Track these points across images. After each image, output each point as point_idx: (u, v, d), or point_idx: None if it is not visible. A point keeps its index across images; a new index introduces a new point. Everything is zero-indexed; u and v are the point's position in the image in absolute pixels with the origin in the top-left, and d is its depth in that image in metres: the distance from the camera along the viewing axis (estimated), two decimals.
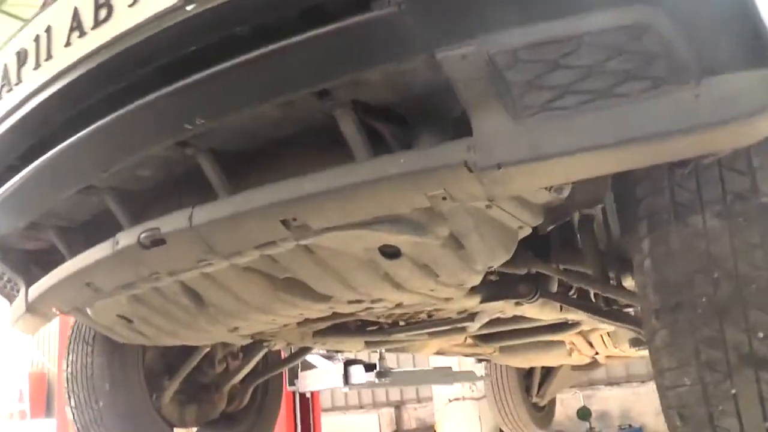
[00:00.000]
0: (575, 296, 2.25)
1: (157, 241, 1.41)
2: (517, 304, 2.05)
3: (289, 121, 1.31)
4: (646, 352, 2.67)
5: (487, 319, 2.30)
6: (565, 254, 1.96)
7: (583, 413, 9.01)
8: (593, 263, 1.87)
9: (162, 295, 1.64)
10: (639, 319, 1.97)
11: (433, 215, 1.29)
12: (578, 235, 1.89)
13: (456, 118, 1.19)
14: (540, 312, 2.27)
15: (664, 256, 1.29)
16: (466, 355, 4.57)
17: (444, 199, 1.23)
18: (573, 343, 4.17)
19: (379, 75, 1.16)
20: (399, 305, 1.78)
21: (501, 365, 5.18)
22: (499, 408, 5.33)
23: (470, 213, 1.32)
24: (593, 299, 2.15)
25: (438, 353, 3.97)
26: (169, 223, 1.40)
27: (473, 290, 1.83)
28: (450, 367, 5.36)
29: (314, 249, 1.41)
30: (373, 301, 1.68)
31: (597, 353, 4.31)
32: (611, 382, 9.43)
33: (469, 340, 4.09)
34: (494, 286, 1.99)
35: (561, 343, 4.13)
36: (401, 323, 2.47)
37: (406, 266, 1.46)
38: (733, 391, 1.19)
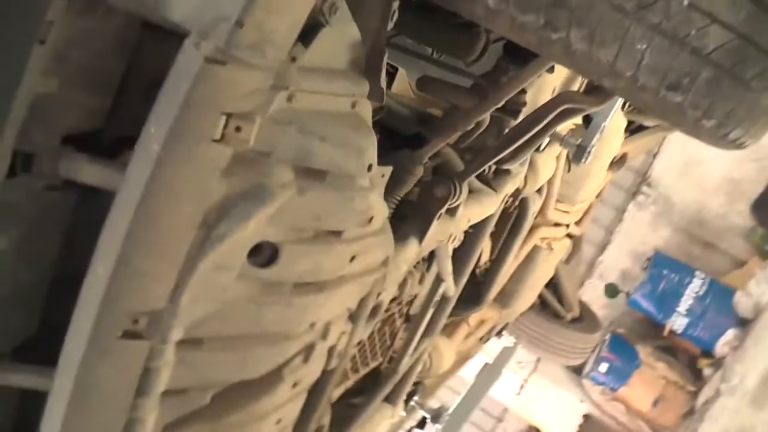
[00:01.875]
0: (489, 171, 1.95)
1: None
2: (450, 212, 1.70)
3: None
4: None
5: (446, 257, 1.92)
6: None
7: (611, 290, 8.75)
8: None
9: None
10: None
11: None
12: None
13: None
14: (481, 207, 1.94)
15: None
16: (482, 341, 4.29)
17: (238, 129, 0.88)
18: (545, 238, 3.97)
19: None
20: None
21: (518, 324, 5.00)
22: (551, 354, 5.13)
23: (282, 123, 0.97)
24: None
25: (455, 366, 3.63)
26: None
27: (401, 234, 1.49)
28: (486, 362, 5.01)
29: None
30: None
31: (567, 225, 4.14)
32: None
33: (472, 322, 3.80)
34: (414, 216, 1.63)
35: (538, 249, 3.92)
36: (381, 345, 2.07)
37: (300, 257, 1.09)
38: None
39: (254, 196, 0.98)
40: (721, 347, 7.62)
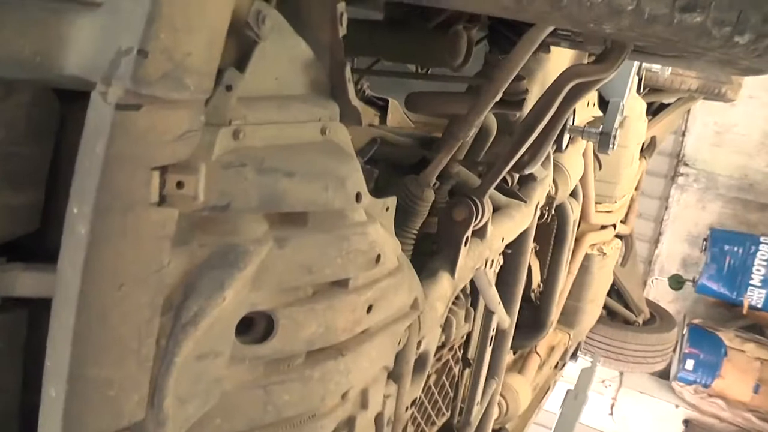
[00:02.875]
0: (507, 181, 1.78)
1: None
2: (477, 234, 1.50)
3: None
4: None
5: (488, 285, 1.71)
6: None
7: (676, 281, 8.33)
8: None
9: None
10: None
11: None
12: None
13: None
14: (513, 222, 1.74)
15: None
16: (557, 368, 4.07)
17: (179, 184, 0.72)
18: (594, 244, 3.80)
19: None
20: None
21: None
22: (632, 363, 4.93)
23: (234, 165, 0.79)
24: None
25: (536, 401, 3.45)
26: None
27: (430, 270, 1.33)
28: (568, 389, 4.71)
29: None
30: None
31: (614, 225, 3.95)
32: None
33: (542, 350, 3.59)
34: (440, 247, 1.44)
35: (590, 257, 3.75)
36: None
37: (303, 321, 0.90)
38: None
39: (223, 261, 0.80)
40: None
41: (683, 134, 8.50)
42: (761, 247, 7.46)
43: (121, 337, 0.74)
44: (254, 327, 0.87)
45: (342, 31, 0.97)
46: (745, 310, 7.67)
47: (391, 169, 1.53)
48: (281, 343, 0.89)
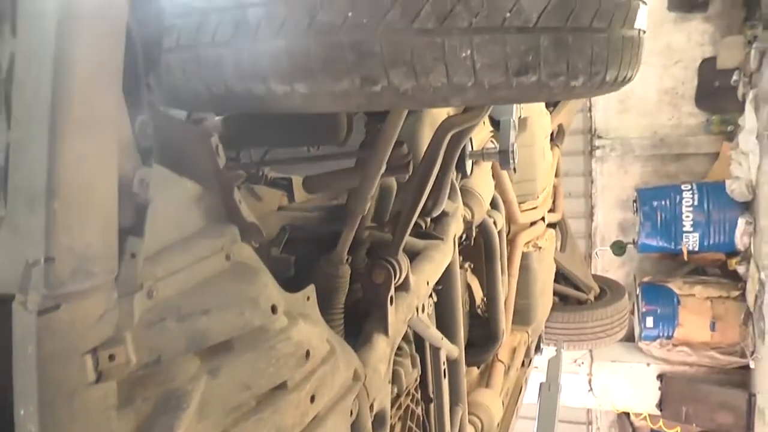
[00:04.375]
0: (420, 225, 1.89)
1: None
2: (401, 287, 1.61)
3: None
4: None
5: (426, 327, 1.82)
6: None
7: (618, 247, 8.64)
8: None
9: None
10: None
11: None
12: None
13: None
14: (434, 263, 1.86)
15: None
16: (525, 366, 4.21)
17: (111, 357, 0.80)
18: (528, 242, 3.93)
19: None
20: None
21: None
22: (595, 340, 5.14)
23: (155, 322, 0.88)
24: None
25: (512, 404, 3.66)
26: None
27: (365, 336, 1.42)
28: (541, 382, 4.86)
29: None
30: None
31: (542, 218, 4.11)
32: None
33: (504, 356, 3.70)
34: (369, 311, 1.54)
35: (527, 254, 3.91)
36: None
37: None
38: None
39: (167, 407, 0.89)
40: (740, 240, 7.51)
41: (590, 110, 8.88)
42: (684, 194, 7.79)
43: None
44: None
45: (222, 161, 1.07)
46: (685, 257, 8.00)
47: (307, 245, 1.63)
48: None
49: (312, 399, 1.12)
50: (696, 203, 7.76)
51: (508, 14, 1.03)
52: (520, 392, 4.15)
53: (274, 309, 1.06)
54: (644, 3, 1.28)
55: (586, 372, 8.48)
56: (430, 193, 1.69)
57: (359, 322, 1.53)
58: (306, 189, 1.64)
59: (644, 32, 1.30)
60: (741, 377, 7.73)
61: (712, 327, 7.78)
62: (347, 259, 1.50)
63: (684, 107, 8.49)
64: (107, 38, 0.82)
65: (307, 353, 1.11)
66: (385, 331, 1.51)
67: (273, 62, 1.02)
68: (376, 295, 1.53)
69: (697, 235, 7.79)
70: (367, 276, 1.54)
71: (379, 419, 1.46)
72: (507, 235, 3.57)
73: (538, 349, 4.59)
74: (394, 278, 1.54)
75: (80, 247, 0.79)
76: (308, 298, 1.25)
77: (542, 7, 1.04)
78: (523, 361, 4.20)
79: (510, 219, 3.51)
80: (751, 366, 7.41)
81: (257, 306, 1.03)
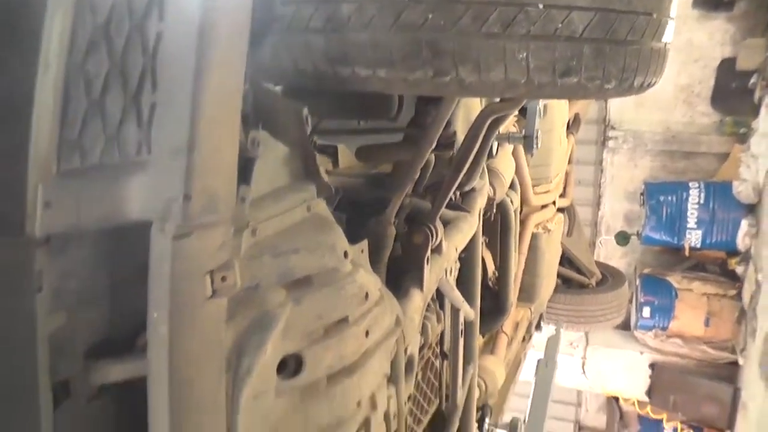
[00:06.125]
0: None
1: None
2: (435, 251, 1.82)
3: None
4: None
5: (452, 289, 2.03)
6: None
7: (622, 238, 8.85)
8: None
9: None
10: None
11: None
12: None
13: None
14: (462, 233, 2.07)
15: None
16: (525, 341, 4.41)
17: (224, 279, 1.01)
18: (538, 224, 4.11)
19: None
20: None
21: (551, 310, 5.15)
22: (593, 323, 5.34)
23: (257, 256, 1.09)
24: None
25: (511, 375, 3.83)
26: None
27: (403, 291, 1.63)
28: (539, 359, 5.09)
29: None
30: None
31: (553, 202, 4.28)
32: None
33: (508, 329, 3.91)
34: (407, 269, 1.75)
35: (537, 235, 4.08)
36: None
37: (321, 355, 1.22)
38: None
39: (261, 326, 1.10)
40: (742, 241, 7.71)
41: (606, 101, 9.01)
42: (691, 192, 7.97)
43: (202, 395, 1.03)
44: (288, 366, 1.17)
45: (308, 129, 1.27)
46: (687, 252, 8.20)
47: (352, 208, 1.84)
48: (309, 374, 1.19)
49: (366, 334, 1.33)
50: (702, 201, 7.94)
51: (559, 25, 1.22)
52: (519, 365, 4.38)
53: (345, 254, 1.27)
54: (672, 19, 1.48)
55: (581, 355, 8.74)
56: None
57: (396, 277, 1.73)
58: (358, 157, 1.84)
59: (670, 44, 1.50)
60: (728, 372, 7.98)
61: (707, 322, 8.02)
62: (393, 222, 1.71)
63: (699, 106, 8.62)
64: (238, 25, 1.02)
65: (366, 295, 1.33)
66: (421, 287, 1.73)
67: (360, 51, 1.21)
68: (414, 255, 1.74)
69: (700, 232, 7.98)
70: (408, 238, 1.75)
71: (409, 363, 1.67)
72: (519, 215, 3.76)
73: (538, 326, 4.81)
74: (431, 241, 1.75)
75: (210, 190, 0.99)
76: (362, 251, 1.46)
77: (588, 22, 1.23)
78: (524, 336, 4.42)
79: (523, 200, 3.70)
80: (740, 362, 7.65)
81: (334, 251, 1.24)
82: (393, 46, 1.19)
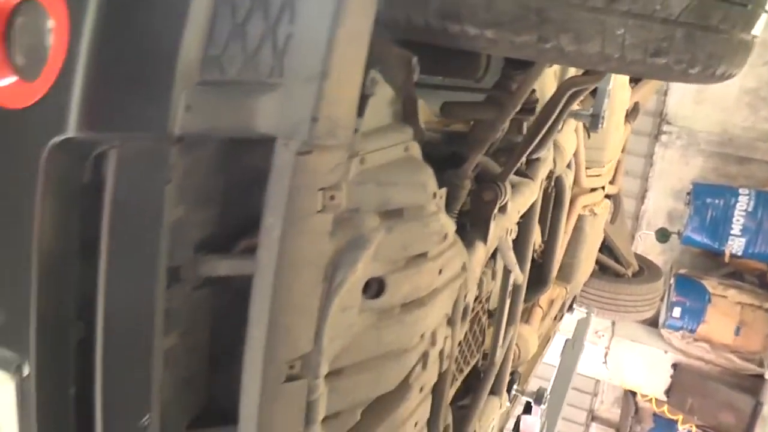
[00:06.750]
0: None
1: None
2: (501, 210, 1.92)
3: None
4: None
5: (508, 249, 2.14)
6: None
7: (663, 235, 8.81)
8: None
9: None
10: None
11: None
12: None
13: None
14: (524, 197, 2.16)
15: None
16: (556, 319, 4.48)
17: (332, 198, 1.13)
18: (586, 206, 4.16)
19: None
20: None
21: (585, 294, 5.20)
22: (623, 313, 5.38)
23: (362, 182, 1.21)
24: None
25: (540, 349, 3.87)
26: None
27: (469, 241, 1.74)
28: (566, 339, 5.18)
29: None
30: None
31: (602, 187, 4.31)
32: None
33: (544, 304, 3.99)
34: (474, 223, 1.86)
35: (582, 217, 4.12)
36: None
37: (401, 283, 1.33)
38: None
39: (356, 245, 1.21)
40: None
41: (665, 94, 8.89)
42: (740, 198, 7.91)
43: (301, 296, 1.16)
44: (371, 288, 1.29)
45: (415, 76, 1.37)
46: (726, 259, 8.17)
47: (427, 161, 1.94)
48: (388, 298, 1.31)
49: (440, 272, 1.45)
50: (750, 209, 7.86)
51: (658, 6, 1.30)
52: (548, 342, 4.47)
53: (434, 195, 1.38)
54: (766, 11, 1.54)
55: (605, 345, 8.79)
56: None
57: (463, 229, 1.84)
58: (443, 113, 1.93)
59: (757, 38, 1.56)
60: (752, 384, 7.97)
61: (737, 331, 8.00)
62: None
63: (762, 111, 8.46)
64: None
65: (445, 236, 1.44)
66: (485, 241, 1.83)
67: (473, 10, 1.31)
68: (482, 210, 1.84)
69: (743, 240, 7.92)
70: (478, 194, 1.85)
71: (465, 310, 1.78)
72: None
73: (571, 307, 4.89)
74: (500, 199, 1.84)
75: (333, 116, 1.10)
76: (441, 197, 1.57)
77: (685, 6, 1.31)
78: (556, 315, 4.51)
79: (575, 180, 3.75)
80: (766, 377, 7.63)
81: (425, 189, 1.35)
82: (504, 9, 1.28)
